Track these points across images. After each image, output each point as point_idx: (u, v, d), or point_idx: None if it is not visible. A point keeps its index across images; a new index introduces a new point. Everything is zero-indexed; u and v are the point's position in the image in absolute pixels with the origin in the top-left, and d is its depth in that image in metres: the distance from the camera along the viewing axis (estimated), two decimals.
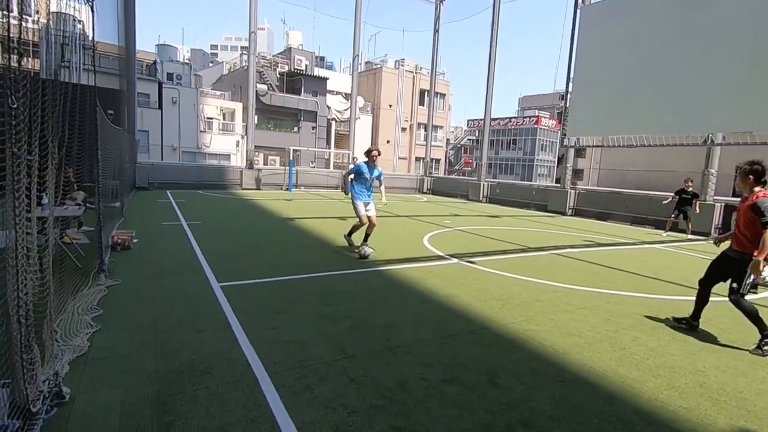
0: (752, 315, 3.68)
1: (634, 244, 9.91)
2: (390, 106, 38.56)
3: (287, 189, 19.93)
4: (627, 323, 4.20)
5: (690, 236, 11.31)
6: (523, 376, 3.01)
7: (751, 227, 3.64)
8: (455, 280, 5.46)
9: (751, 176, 3.69)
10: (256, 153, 25.62)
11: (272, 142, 31.68)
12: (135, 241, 6.76)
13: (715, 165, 12.73)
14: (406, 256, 6.83)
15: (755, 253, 3.56)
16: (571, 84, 16.30)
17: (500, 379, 2.96)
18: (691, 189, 11.23)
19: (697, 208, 11.26)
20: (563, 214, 16.20)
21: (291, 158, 20.41)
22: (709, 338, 3.92)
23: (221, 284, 4.80)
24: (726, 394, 2.90)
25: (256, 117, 20.68)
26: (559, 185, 18.33)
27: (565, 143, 16.35)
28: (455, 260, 6.71)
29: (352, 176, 7.01)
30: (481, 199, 20.51)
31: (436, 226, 10.70)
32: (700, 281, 4.10)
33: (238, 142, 31.01)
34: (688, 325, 4.11)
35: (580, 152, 63.23)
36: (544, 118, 55.37)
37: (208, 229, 8.52)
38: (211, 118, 30.49)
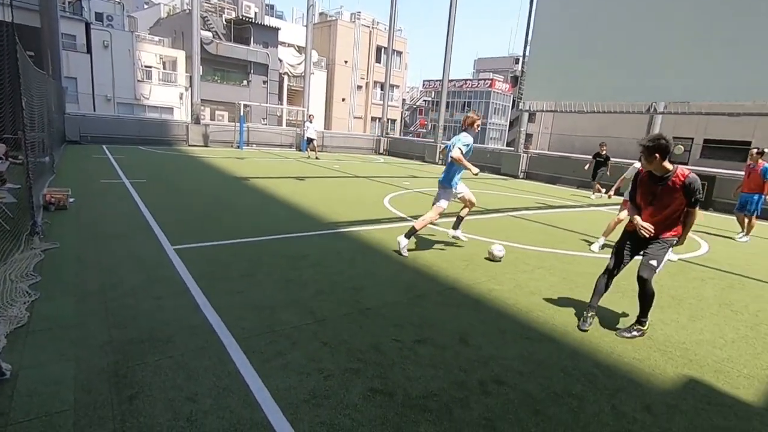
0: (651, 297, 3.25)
1: (581, 206, 10.45)
2: (345, 62, 37.11)
3: (238, 146, 18.95)
4: (581, 282, 4.43)
5: (603, 194, 11.76)
6: (492, 335, 3.10)
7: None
8: (420, 242, 5.48)
9: (657, 154, 3.08)
10: (203, 107, 23.98)
11: (220, 95, 29.70)
12: (71, 200, 6.15)
13: (656, 132, 13.49)
14: (369, 217, 6.75)
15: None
16: (528, 48, 16.38)
17: (470, 338, 3.03)
18: (604, 152, 12.23)
19: (608, 171, 12.24)
20: (516, 177, 16.72)
21: (242, 114, 19.26)
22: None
23: (176, 247, 4.50)
24: (671, 346, 3.16)
25: (201, 68, 19.11)
26: (511, 149, 18.80)
27: (520, 107, 16.62)
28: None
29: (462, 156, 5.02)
30: (437, 161, 20.64)
31: (396, 187, 10.66)
32: None
33: (181, 94, 28.76)
34: None
35: (530, 117, 64.84)
36: (498, 81, 55.89)
37: (154, 188, 7.93)
38: (150, 67, 27.85)
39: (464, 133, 5.08)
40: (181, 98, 28.76)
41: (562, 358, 2.85)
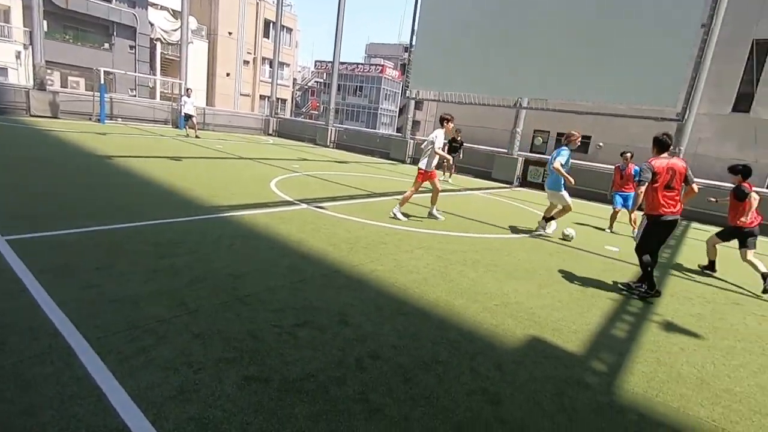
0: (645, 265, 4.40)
1: (459, 190, 11.38)
2: (230, 33, 34.40)
3: (99, 120, 16.44)
4: (454, 259, 4.87)
5: (450, 179, 13.19)
6: (371, 313, 3.25)
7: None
8: (305, 226, 5.44)
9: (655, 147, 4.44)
10: (50, 70, 20.22)
11: (74, 59, 25.30)
12: None
13: (521, 125, 15.24)
14: (253, 201, 6.47)
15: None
16: (414, 38, 17.04)
17: (350, 317, 3.13)
18: (460, 138, 13.80)
19: (461, 155, 13.92)
20: (403, 162, 17.47)
21: (102, 82, 16.66)
22: (512, 268, 4.85)
23: (8, 238, 3.78)
24: (522, 311, 3.67)
25: (45, 22, 15.97)
26: (400, 135, 19.56)
27: (407, 95, 17.31)
28: (305, 205, 6.65)
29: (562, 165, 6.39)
30: (328, 144, 20.53)
31: (284, 170, 10.35)
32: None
33: (18, 53, 23.76)
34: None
35: (418, 105, 68.05)
36: (389, 68, 57.33)
37: None
38: None
39: (564, 148, 6.39)
40: (18, 58, 23.78)
41: (433, 330, 3.12)
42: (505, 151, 15.39)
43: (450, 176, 13.35)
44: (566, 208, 6.69)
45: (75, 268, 3.35)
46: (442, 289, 3.92)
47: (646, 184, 4.29)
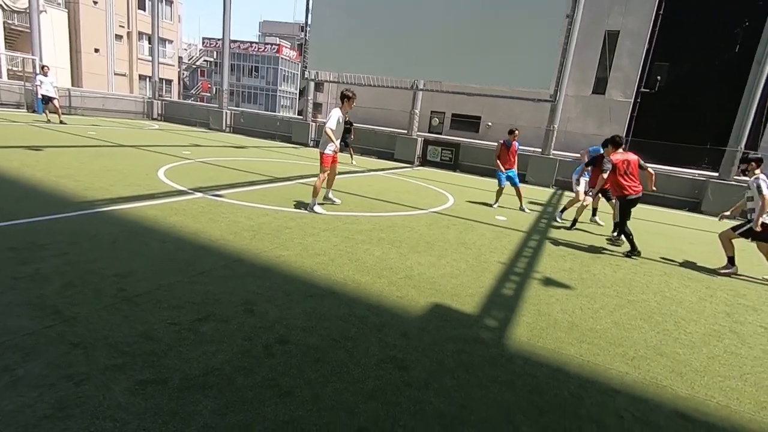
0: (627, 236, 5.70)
1: (363, 172, 11.53)
2: (95, 2, 29.95)
3: None
4: (360, 239, 4.96)
5: (354, 161, 13.38)
6: (278, 299, 3.19)
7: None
8: (201, 216, 5.08)
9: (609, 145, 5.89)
10: None
11: None
12: None
13: (418, 106, 15.84)
14: (137, 193, 5.84)
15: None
16: (309, 17, 16.54)
17: (256, 306, 3.04)
18: (347, 119, 13.48)
19: (353, 135, 13.85)
20: (306, 145, 17.12)
21: None
22: (414, 243, 5.10)
23: None
24: (424, 281, 3.90)
25: None
26: (301, 117, 19.06)
27: (305, 76, 16.84)
28: (199, 194, 6.20)
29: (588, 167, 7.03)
30: (224, 128, 19.24)
31: (174, 157, 9.49)
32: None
33: None
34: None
35: (319, 86, 66.54)
36: (285, 48, 55.08)
37: None
38: None
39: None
40: None
41: (341, 308, 3.17)
42: (406, 132, 15.91)
43: (352, 158, 13.37)
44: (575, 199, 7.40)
45: None
46: (349, 269, 3.98)
47: (608, 172, 5.75)
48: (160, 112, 21.33)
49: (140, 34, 33.64)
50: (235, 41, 53.01)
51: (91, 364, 2.19)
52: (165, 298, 2.99)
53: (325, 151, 6.12)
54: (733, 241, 5.31)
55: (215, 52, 50.36)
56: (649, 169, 5.77)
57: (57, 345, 2.31)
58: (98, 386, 2.04)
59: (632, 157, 5.73)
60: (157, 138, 13.29)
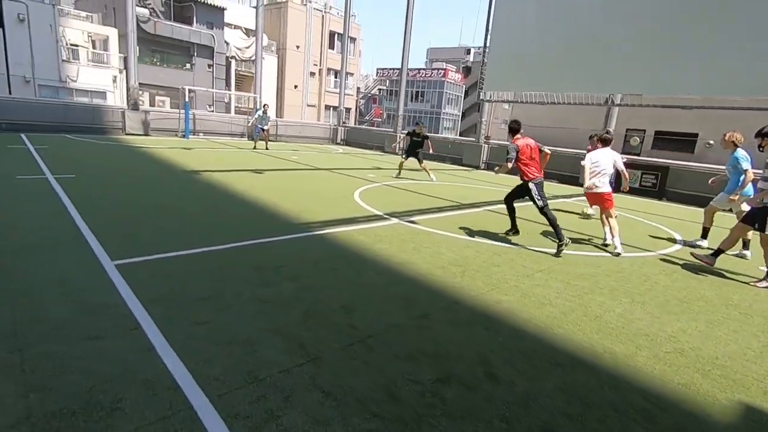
0: (552, 223, 5.21)
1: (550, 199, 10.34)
2: (297, 47, 35.55)
3: (183, 135, 17.39)
4: (586, 286, 4.11)
5: (431, 176, 11.30)
6: (518, 363, 2.64)
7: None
8: (404, 245, 4.95)
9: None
10: (141, 91, 21.86)
11: (160, 79, 27.34)
12: None
13: (613, 124, 13.81)
14: (342, 216, 6.12)
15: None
16: (488, 38, 16.19)
17: (496, 369, 2.55)
18: (421, 132, 11.41)
19: (430, 149, 11.96)
20: (477, 167, 16.64)
21: (186, 100, 17.65)
22: (660, 298, 3.99)
23: (117, 262, 3.66)
24: (706, 362, 2.86)
25: (137, 48, 17.23)
26: (472, 139, 18.73)
27: (480, 97, 16.48)
28: (395, 220, 6.20)
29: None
30: (397, 151, 20.17)
31: (362, 180, 10.05)
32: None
33: (115, 77, 26.10)
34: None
35: (479, 107, 65.82)
36: (451, 71, 56.30)
37: (87, 184, 6.80)
38: (77, 46, 24.96)
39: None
40: (114, 81, 26.13)
41: (605, 390, 2.44)
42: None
43: (429, 174, 11.37)
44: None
45: (182, 299, 3.09)
46: (590, 329, 3.21)
47: (513, 160, 5.30)
48: (342, 137, 23.70)
49: (328, 69, 38.56)
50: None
51: (347, 426, 1.97)
52: (396, 344, 2.73)
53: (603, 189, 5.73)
54: None
55: (388, 81, 54.54)
56: (545, 149, 5.52)
57: (311, 391, 2.19)
58: None
59: (532, 142, 5.45)
60: (344, 161, 14.52)
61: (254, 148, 15.93)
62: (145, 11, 26.08)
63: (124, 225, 4.81)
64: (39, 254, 3.73)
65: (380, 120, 50.09)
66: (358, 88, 46.99)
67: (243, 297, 3.22)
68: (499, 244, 5.40)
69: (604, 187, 5.74)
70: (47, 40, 23.14)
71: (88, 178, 7.36)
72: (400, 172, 11.38)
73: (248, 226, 5.23)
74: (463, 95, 58.61)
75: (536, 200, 5.30)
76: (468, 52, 63.55)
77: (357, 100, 45.81)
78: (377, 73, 56.76)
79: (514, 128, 5.50)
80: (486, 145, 16.89)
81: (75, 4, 29.08)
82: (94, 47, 26.11)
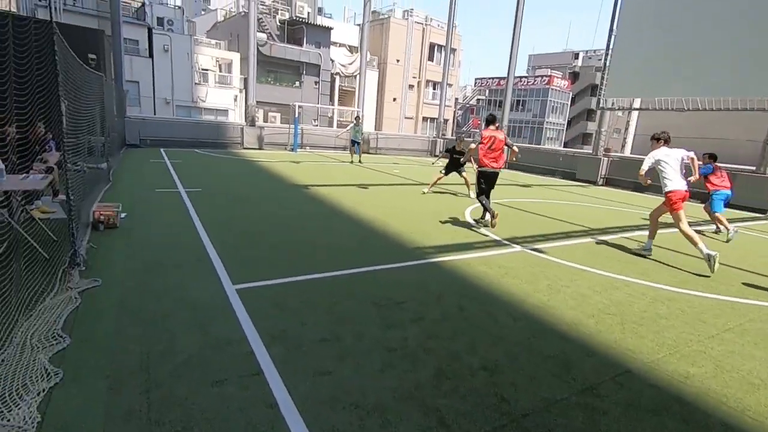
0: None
1: (698, 224, 8.64)
2: (397, 60, 36.11)
3: (292, 149, 18.39)
4: None
5: (472, 193, 9.46)
6: None
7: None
8: (537, 281, 4.24)
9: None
10: (256, 109, 23.80)
11: (272, 97, 29.61)
12: (123, 216, 5.46)
13: None
14: (457, 240, 5.59)
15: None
16: (612, 39, 14.48)
17: None
18: (461, 148, 9.67)
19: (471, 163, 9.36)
20: (594, 183, 14.91)
21: (296, 115, 18.69)
22: None
23: (238, 286, 3.56)
24: None
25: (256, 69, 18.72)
26: (588, 151, 16.93)
27: (600, 104, 14.77)
28: (517, 247, 5.48)
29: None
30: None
31: (471, 199, 9.40)
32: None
33: (236, 96, 28.93)
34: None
35: (590, 114, 60.70)
36: (557, 77, 52.75)
37: (211, 199, 7.20)
38: (207, 70, 28.19)
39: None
40: (235, 100, 28.94)
41: None
42: (753, 168, 11.61)
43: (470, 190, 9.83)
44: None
45: (301, 338, 2.81)
46: None
47: (476, 145, 6.19)
48: (441, 149, 23.20)
49: (427, 81, 38.52)
50: (503, 78, 54.58)
51: None
52: (560, 430, 2.10)
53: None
54: None
55: (487, 91, 53.00)
56: (514, 147, 6.38)
57: None
58: None
59: (500, 135, 6.12)
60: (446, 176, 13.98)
61: (351, 162, 16.15)
62: (263, 36, 28.54)
63: (243, 242, 4.84)
64: (172, 271, 3.80)
65: (478, 131, 48.67)
66: (456, 99, 46.30)
67: (365, 341, 2.85)
68: (657, 285, 4.39)
69: None
70: (184, 66, 26.47)
71: (212, 192, 7.83)
72: (432, 186, 10.00)
73: (361, 249, 4.96)
74: (569, 103, 54.59)
75: (474, 186, 6.66)
76: (576, 56, 59.20)
77: (455, 111, 45.12)
78: (475, 83, 55.49)
79: (488, 120, 6.36)
80: (606, 159, 15.07)
81: (207, 34, 33.03)
82: (220, 70, 29.27)
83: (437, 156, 15.82)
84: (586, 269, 4.74)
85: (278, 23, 31.19)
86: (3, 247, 3.73)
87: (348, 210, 7.02)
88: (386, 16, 36.71)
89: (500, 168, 6.26)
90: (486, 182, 6.28)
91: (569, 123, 55.25)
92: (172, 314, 3.02)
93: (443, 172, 9.94)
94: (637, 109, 15.67)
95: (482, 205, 6.28)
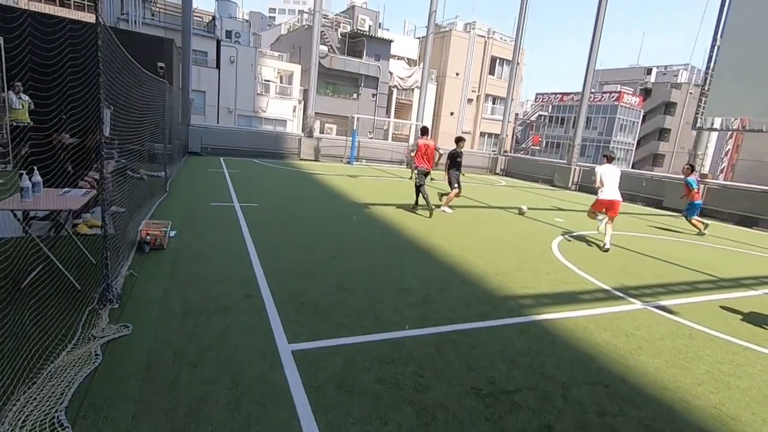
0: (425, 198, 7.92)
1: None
2: (457, 74, 35.14)
3: (348, 162, 17.90)
4: None
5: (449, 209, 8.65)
6: None
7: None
8: (689, 364, 3.09)
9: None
10: (314, 119, 23.76)
11: (329, 108, 29.66)
12: (171, 234, 4.91)
13: None
14: (556, 288, 4.50)
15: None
16: (715, 50, 12.69)
17: None
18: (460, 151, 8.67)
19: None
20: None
21: (354, 127, 18.25)
22: None
23: (294, 347, 2.77)
24: None
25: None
26: (681, 176, 14.99)
27: (698, 125, 12.96)
28: (636, 302, 4.31)
29: None
30: (569, 186, 17.49)
31: (550, 226, 8.21)
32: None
33: (294, 107, 29.25)
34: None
35: (663, 134, 56.29)
36: (627, 94, 49.35)
37: (267, 217, 6.60)
38: (269, 81, 28.77)
39: None
40: (294, 111, 29.25)
41: None
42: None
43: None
44: None
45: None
46: None
47: (416, 151, 8.10)
48: (502, 167, 21.87)
49: (486, 96, 37.19)
50: (567, 93, 51.95)
51: None
52: None
53: None
54: None
55: (550, 107, 50.69)
56: (439, 152, 8.10)
57: None
58: None
59: (431, 143, 7.97)
60: (515, 197, 12.77)
61: (411, 177, 15.30)
62: (325, 48, 28.74)
63: (300, 276, 4.08)
64: (217, 318, 3.07)
65: (538, 148, 46.42)
66: (516, 114, 44.49)
67: None
68: None
69: None
70: (248, 77, 27.12)
71: (269, 209, 7.25)
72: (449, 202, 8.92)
73: (442, 297, 4.02)
74: (640, 121, 50.90)
75: (416, 180, 8.09)
76: (648, 71, 55.31)
77: (514, 127, 43.31)
78: (536, 98, 53.25)
79: (422, 130, 8.43)
80: (702, 186, 13.14)
81: (270, 47, 33.95)
82: (281, 82, 29.79)
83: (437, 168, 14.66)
84: (750, 347, 3.50)
85: (339, 36, 31.40)
86: (31, 277, 3.19)
87: (418, 240, 6.12)
88: (447, 29, 35.98)
89: (431, 168, 8.04)
90: (425, 176, 8.02)
91: (638, 143, 51.44)
92: (209, 394, 2.24)
93: (458, 187, 8.82)
94: (748, 131, 13.63)
95: (421, 194, 7.94)
